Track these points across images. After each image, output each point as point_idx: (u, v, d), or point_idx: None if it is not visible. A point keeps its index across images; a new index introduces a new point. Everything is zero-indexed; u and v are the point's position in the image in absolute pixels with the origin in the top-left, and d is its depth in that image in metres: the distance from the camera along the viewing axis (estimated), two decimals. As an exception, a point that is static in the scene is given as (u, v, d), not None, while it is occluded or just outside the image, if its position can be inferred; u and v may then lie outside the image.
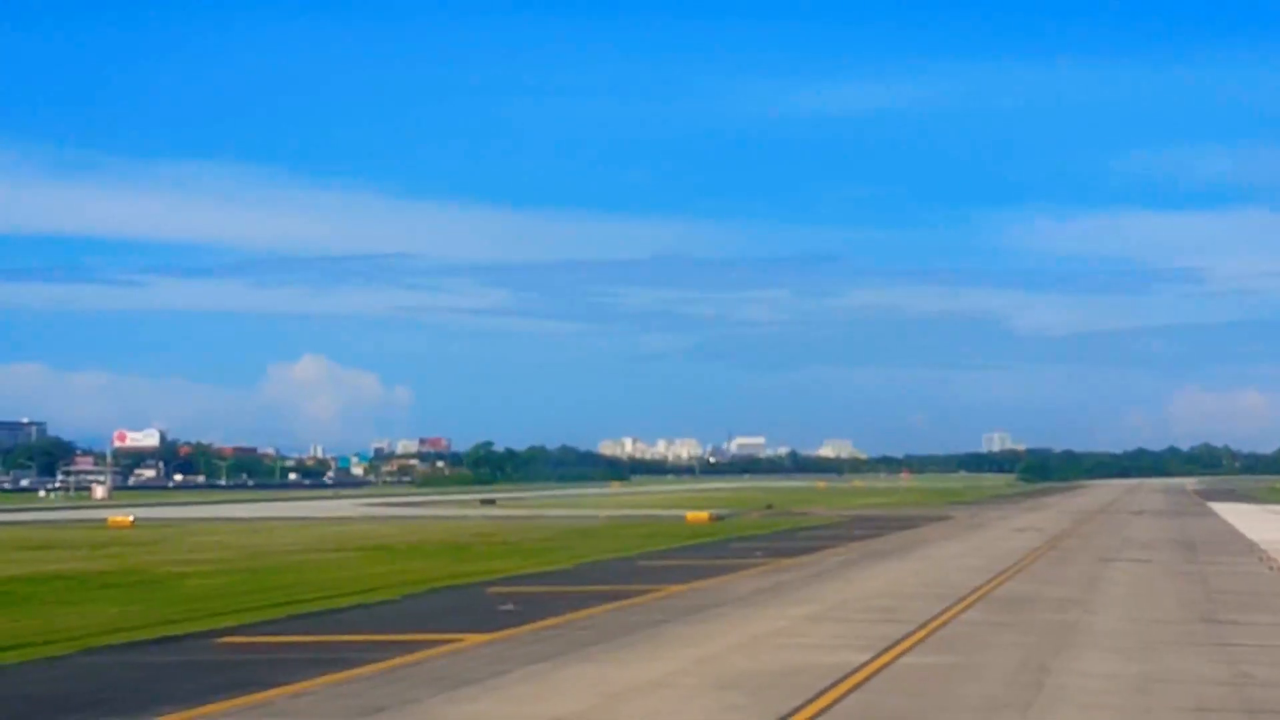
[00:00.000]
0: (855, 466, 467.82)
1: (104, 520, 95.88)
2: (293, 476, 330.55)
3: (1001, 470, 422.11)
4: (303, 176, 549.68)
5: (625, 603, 37.53)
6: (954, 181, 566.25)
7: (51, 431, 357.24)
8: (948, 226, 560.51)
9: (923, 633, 30.94)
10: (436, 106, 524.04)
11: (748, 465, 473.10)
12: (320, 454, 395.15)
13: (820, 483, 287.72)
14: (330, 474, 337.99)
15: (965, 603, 37.59)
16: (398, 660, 26.94)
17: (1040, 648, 28.73)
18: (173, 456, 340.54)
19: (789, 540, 69.98)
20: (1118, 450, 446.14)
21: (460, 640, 29.80)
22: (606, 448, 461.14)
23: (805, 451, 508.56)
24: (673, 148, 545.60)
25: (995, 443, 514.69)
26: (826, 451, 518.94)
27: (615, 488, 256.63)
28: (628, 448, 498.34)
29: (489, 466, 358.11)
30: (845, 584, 44.03)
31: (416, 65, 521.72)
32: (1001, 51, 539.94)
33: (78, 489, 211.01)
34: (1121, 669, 25.99)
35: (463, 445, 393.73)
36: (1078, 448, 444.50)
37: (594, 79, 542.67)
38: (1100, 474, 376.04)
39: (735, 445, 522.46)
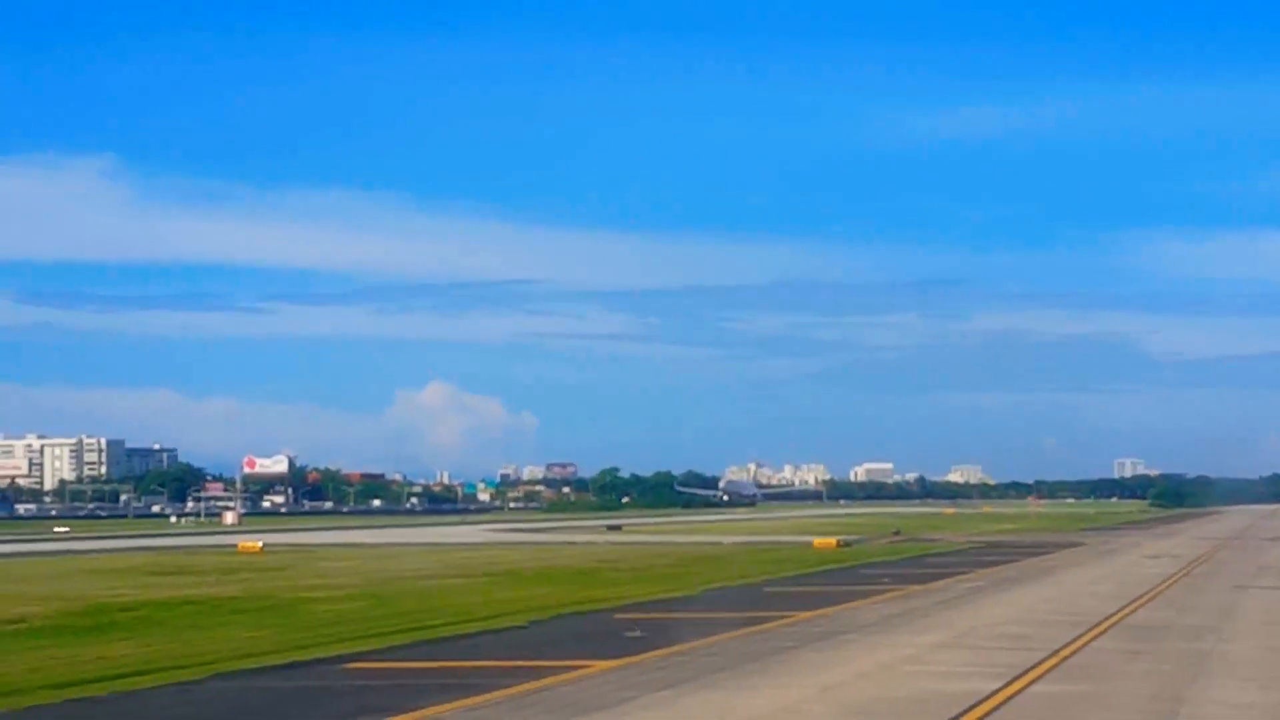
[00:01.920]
0: (984, 492, 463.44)
1: (234, 546, 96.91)
2: (376, 503, 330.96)
3: (1133, 496, 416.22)
4: (427, 203, 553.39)
5: (752, 629, 37.37)
6: (1085, 203, 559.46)
7: (183, 458, 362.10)
8: (1078, 248, 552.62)
9: (1054, 660, 30.52)
10: (560, 132, 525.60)
11: (875, 491, 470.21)
12: (446, 480, 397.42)
13: (949, 508, 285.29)
14: (413, 500, 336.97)
15: (1097, 630, 37.05)
16: (526, 686, 26.95)
17: (1175, 676, 28.24)
18: (301, 482, 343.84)
19: (917, 566, 69.41)
20: (1253, 475, 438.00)
21: (588, 666, 29.78)
22: (732, 473, 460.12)
23: (933, 477, 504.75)
24: (798, 171, 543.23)
25: (1127, 468, 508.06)
26: (955, 477, 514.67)
27: (741, 513, 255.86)
28: (753, 473, 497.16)
29: (615, 492, 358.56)
30: (974, 611, 43.57)
31: (540, 91, 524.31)
32: (1132, 71, 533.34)
33: (208, 515, 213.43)
34: (1259, 699, 25.48)
35: (589, 471, 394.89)
36: (1212, 473, 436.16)
37: (718, 103, 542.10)
38: (1236, 499, 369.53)
39: (863, 470, 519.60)
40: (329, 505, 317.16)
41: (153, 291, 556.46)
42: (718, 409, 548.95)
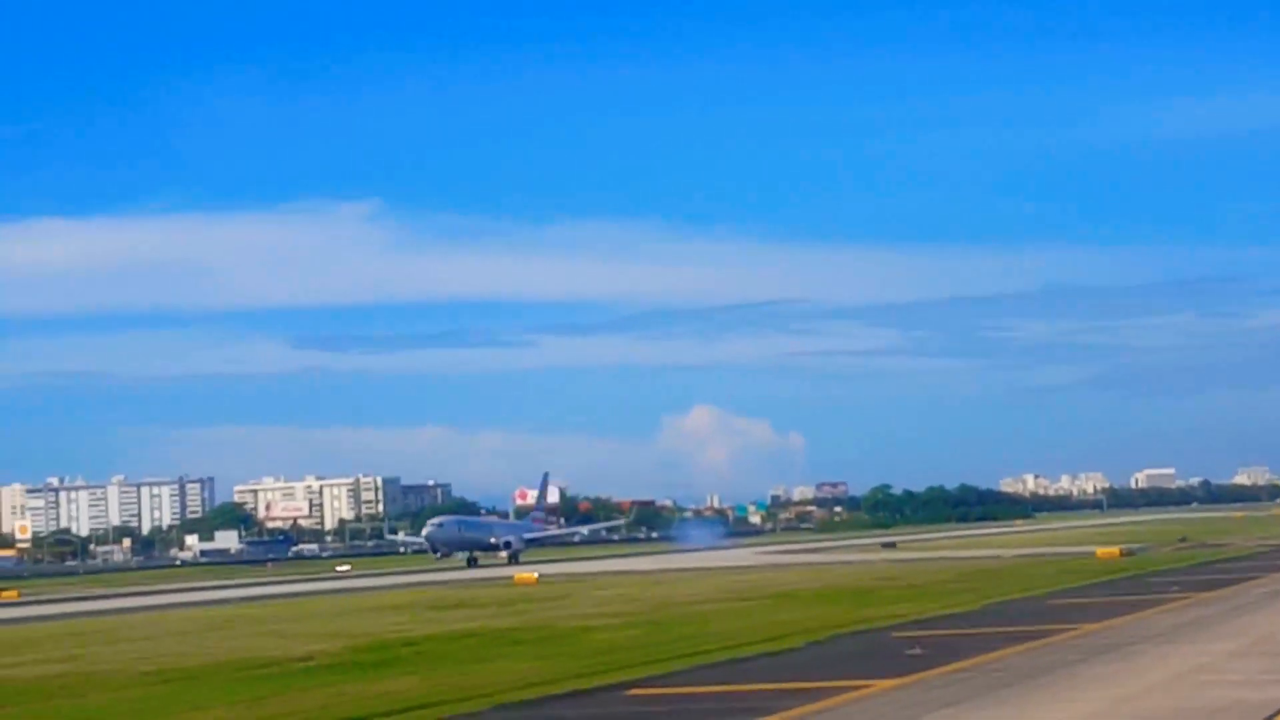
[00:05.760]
0: (1274, 494, 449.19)
1: (510, 578, 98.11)
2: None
3: None
4: (682, 228, 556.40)
5: (1037, 643, 36.49)
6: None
7: (456, 492, 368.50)
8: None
9: (1360, 665, 29.21)
10: (813, 147, 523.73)
11: (1157, 497, 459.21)
12: (716, 503, 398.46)
13: (1237, 512, 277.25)
14: (582, 532, 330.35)
15: (1404, 632, 35.41)
16: (807, 707, 26.62)
17: None
18: (572, 512, 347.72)
19: (1207, 573, 67.33)
20: None
21: (868, 686, 29.30)
22: (1007, 485, 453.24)
23: (1218, 481, 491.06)
24: (1058, 174, 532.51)
25: None
26: (1241, 479, 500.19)
27: (1019, 526, 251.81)
28: (1029, 484, 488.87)
29: (887, 509, 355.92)
30: (1271, 616, 42.07)
31: (789, 107, 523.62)
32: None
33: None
34: None
35: (859, 489, 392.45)
36: None
37: (972, 109, 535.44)
38: None
39: (1144, 477, 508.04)
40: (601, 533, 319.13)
41: (420, 330, 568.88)
42: (989, 420, 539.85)
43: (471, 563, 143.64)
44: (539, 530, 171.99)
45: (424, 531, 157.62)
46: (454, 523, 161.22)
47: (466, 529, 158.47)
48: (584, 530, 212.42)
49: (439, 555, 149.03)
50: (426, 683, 34.67)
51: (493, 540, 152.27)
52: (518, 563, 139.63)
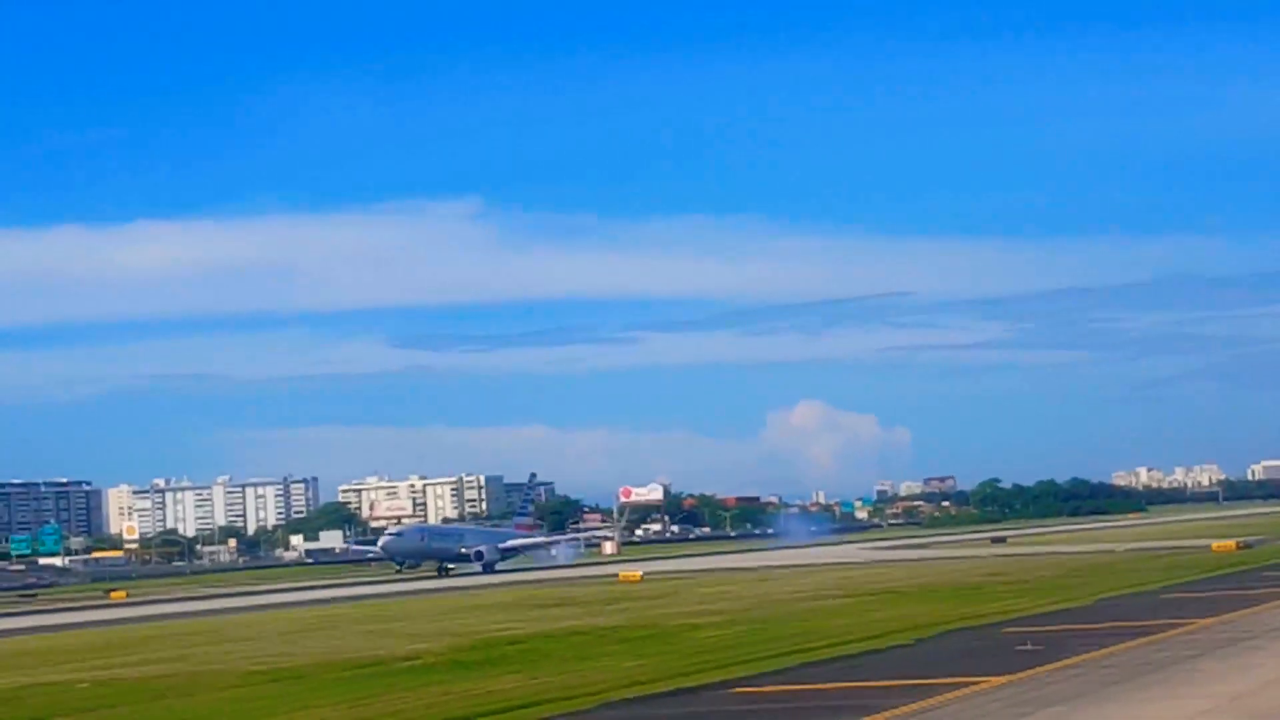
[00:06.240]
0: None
1: (614, 575, 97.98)
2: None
3: None
4: (786, 222, 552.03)
5: (1150, 639, 35.81)
6: None
7: (560, 490, 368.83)
8: None
9: None
10: (918, 140, 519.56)
11: (1275, 489, 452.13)
12: (822, 499, 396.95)
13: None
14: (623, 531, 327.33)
15: None
16: (916, 705, 26.29)
17: None
18: (677, 509, 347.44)
19: (1325, 566, 66.03)
20: None
21: (978, 683, 28.82)
22: (1120, 478, 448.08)
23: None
24: (1170, 162, 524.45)
25: None
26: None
27: (1132, 519, 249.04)
28: (1143, 477, 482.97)
29: (996, 504, 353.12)
30: (1392, 610, 41.09)
31: (893, 100, 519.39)
32: None
33: (588, 545, 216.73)
34: None
35: (968, 483, 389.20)
36: None
37: (1081, 99, 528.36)
38: None
39: (1262, 468, 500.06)
40: (706, 530, 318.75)
41: (521, 328, 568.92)
42: (1101, 413, 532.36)
43: (442, 572, 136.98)
44: (521, 537, 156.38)
45: (380, 542, 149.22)
46: (415, 532, 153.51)
47: (430, 538, 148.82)
48: (562, 539, 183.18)
49: (401, 566, 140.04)
50: (532, 681, 34.55)
51: (462, 550, 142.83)
52: (493, 572, 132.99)
